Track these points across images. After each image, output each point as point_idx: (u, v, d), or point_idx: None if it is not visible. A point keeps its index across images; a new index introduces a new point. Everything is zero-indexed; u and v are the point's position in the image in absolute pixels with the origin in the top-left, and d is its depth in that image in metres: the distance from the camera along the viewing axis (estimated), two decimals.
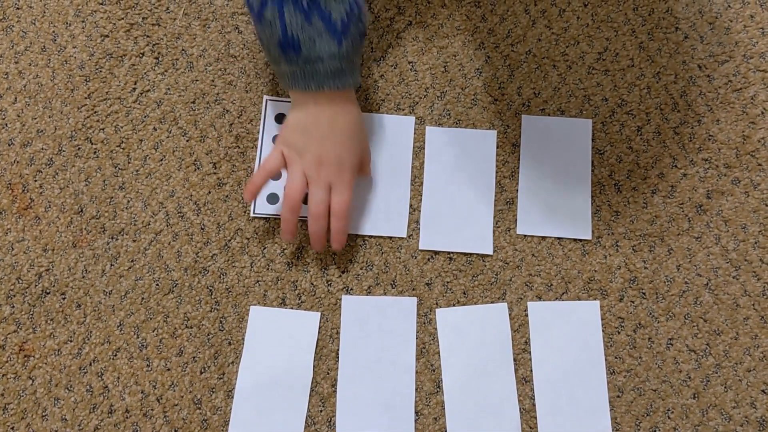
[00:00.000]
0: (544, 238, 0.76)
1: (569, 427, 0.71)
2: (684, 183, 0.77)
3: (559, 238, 0.76)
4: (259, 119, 0.79)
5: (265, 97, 0.79)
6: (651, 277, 0.75)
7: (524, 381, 0.72)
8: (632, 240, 0.76)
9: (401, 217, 0.76)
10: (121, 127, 0.79)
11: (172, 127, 0.79)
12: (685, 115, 0.79)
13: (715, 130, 0.78)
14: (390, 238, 0.76)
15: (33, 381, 0.72)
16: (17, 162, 0.77)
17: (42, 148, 0.78)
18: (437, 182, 0.78)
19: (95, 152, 0.78)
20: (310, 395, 0.72)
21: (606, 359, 0.73)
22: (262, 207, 0.76)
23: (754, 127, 0.78)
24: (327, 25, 0.65)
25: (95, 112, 0.79)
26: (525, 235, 0.76)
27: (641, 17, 0.81)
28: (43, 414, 0.71)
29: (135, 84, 0.80)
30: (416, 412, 0.71)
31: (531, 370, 0.72)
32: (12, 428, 0.70)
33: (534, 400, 0.72)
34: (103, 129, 0.79)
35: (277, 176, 0.75)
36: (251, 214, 0.76)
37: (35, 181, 0.77)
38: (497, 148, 0.79)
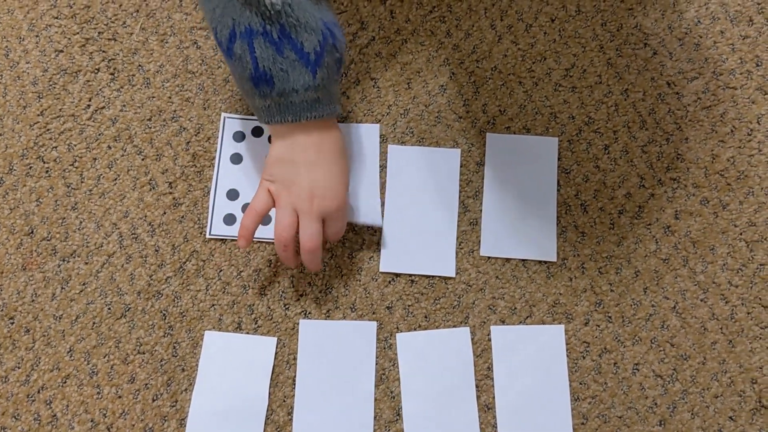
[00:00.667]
0: (508, 260, 0.74)
1: None
2: (652, 203, 0.75)
3: (523, 260, 0.74)
4: (217, 137, 0.77)
5: (223, 114, 0.77)
6: (617, 300, 0.73)
7: (486, 408, 0.70)
8: (598, 262, 0.74)
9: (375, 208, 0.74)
10: (75, 146, 0.76)
11: (127, 145, 0.77)
12: (654, 133, 0.77)
13: (684, 149, 0.77)
14: (350, 259, 0.74)
15: None
16: None
17: None
18: (399, 202, 0.76)
19: (47, 171, 0.76)
20: (265, 423, 0.69)
21: (570, 385, 0.71)
22: (218, 228, 0.74)
23: (723, 145, 0.77)
24: (300, 56, 0.62)
25: (48, 130, 0.77)
26: (489, 257, 0.74)
27: (609, 33, 0.80)
28: None
29: (89, 101, 0.78)
30: None
31: (493, 397, 0.70)
32: None
33: (496, 428, 0.70)
34: (55, 147, 0.76)
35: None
36: (207, 236, 0.74)
37: None
38: (461, 166, 0.77)
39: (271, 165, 0.68)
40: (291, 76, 0.63)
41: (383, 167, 0.76)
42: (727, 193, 0.76)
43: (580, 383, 0.71)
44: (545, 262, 0.74)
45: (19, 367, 0.71)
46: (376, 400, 0.70)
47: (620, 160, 0.76)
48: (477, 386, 0.71)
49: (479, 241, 0.75)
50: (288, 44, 0.62)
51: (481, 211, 0.75)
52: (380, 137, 0.77)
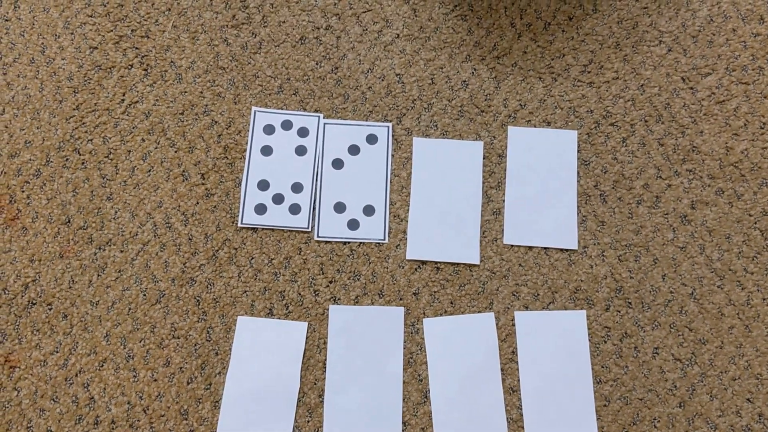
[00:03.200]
0: (530, 248, 0.77)
1: None
2: (668, 193, 0.78)
3: (545, 248, 0.77)
4: (248, 130, 0.79)
5: (254, 108, 0.80)
6: (636, 287, 0.75)
7: (511, 391, 0.72)
8: (618, 250, 0.76)
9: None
10: (109, 138, 0.79)
11: (161, 138, 0.79)
12: (669, 126, 0.80)
13: (699, 142, 0.79)
14: (378, 247, 0.76)
15: (18, 392, 0.71)
16: (4, 173, 0.77)
17: (29, 159, 0.78)
18: (424, 193, 0.78)
19: (83, 163, 0.78)
20: (297, 405, 0.71)
21: (592, 368, 0.73)
22: (249, 217, 0.77)
23: (737, 138, 0.79)
24: None
25: (83, 123, 0.79)
26: (512, 245, 0.77)
27: (625, 30, 0.82)
28: (29, 425, 0.71)
29: (123, 95, 0.80)
30: (403, 423, 0.71)
31: (518, 380, 0.73)
32: None
33: (521, 409, 0.72)
34: (91, 140, 0.79)
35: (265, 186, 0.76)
36: (239, 225, 0.76)
37: (22, 191, 0.77)
38: (484, 158, 0.79)
39: None
40: None
41: (408, 159, 0.79)
42: (741, 183, 0.78)
43: (602, 366, 0.73)
44: (566, 250, 0.76)
45: (57, 352, 0.73)
46: (404, 383, 0.72)
47: (638, 152, 0.79)
48: (502, 370, 0.73)
49: (502, 230, 0.77)
50: None
51: (503, 201, 0.78)
52: (406, 131, 0.80)
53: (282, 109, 0.80)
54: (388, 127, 0.79)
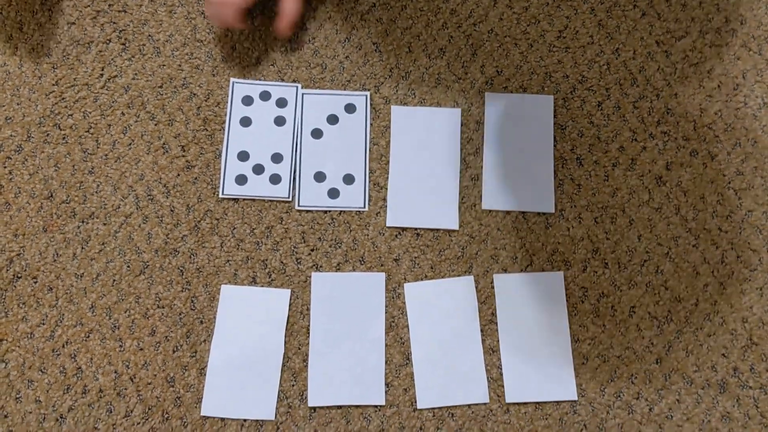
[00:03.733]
0: (508, 212, 0.78)
1: (536, 395, 0.72)
2: (644, 156, 0.79)
3: (523, 212, 0.78)
4: (227, 102, 0.80)
5: (232, 80, 0.80)
6: (613, 248, 0.76)
7: (491, 351, 0.74)
8: (594, 212, 0.77)
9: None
10: (90, 113, 0.79)
11: (140, 111, 0.80)
12: (644, 89, 0.81)
13: (674, 104, 0.80)
14: (358, 215, 0.77)
15: (6, 364, 0.72)
16: None
17: (11, 135, 0.78)
18: (403, 160, 0.79)
19: (64, 138, 0.79)
20: (282, 370, 0.73)
21: (570, 328, 0.74)
22: (230, 188, 0.77)
23: (711, 100, 0.80)
24: None
25: (63, 99, 0.80)
26: (490, 210, 0.78)
27: None
28: (17, 396, 0.72)
29: (102, 70, 0.81)
30: (387, 384, 0.73)
31: (497, 340, 0.74)
32: None
33: (501, 369, 0.73)
34: (71, 115, 0.79)
35: (244, 158, 0.77)
36: (220, 195, 0.77)
37: (4, 167, 0.77)
38: (462, 125, 0.80)
39: None
40: None
41: (387, 128, 0.80)
42: (715, 144, 0.79)
43: (580, 326, 0.75)
44: (544, 214, 0.78)
45: (43, 324, 0.74)
46: (386, 346, 0.74)
47: (613, 115, 0.80)
48: (482, 331, 0.74)
49: (480, 196, 0.78)
50: None
51: (481, 167, 0.79)
52: (384, 99, 0.80)
53: (260, 80, 0.81)
54: (366, 95, 0.80)
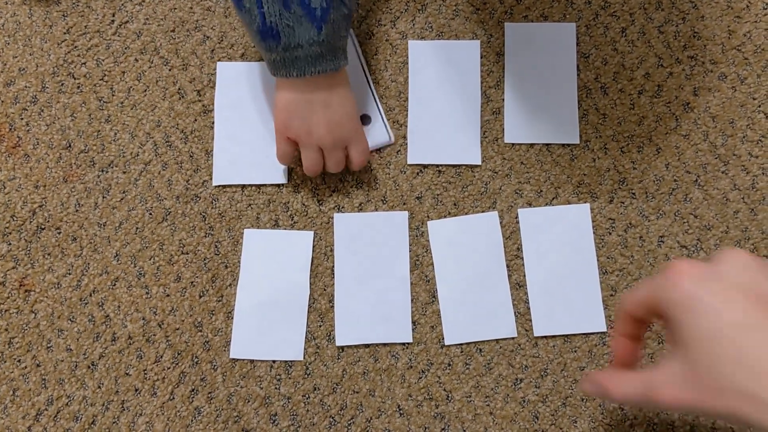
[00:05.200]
0: (532, 145, 0.76)
1: (564, 328, 0.72)
2: (670, 82, 0.77)
3: (547, 145, 0.76)
4: (240, 43, 0.78)
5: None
6: (640, 177, 0.75)
7: (518, 286, 0.73)
8: (620, 142, 0.76)
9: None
10: (103, 60, 0.78)
11: (154, 57, 0.78)
12: (669, 13, 0.78)
13: (700, 27, 0.77)
14: (378, 153, 0.76)
15: (35, 314, 0.73)
16: (2, 102, 0.77)
17: (25, 86, 0.78)
18: (422, 96, 0.77)
19: (78, 87, 0.78)
20: (308, 312, 0.73)
21: (598, 260, 0.73)
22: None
23: (740, 21, 0.77)
24: (306, 11, 0.63)
25: (75, 47, 0.79)
26: (513, 144, 0.76)
27: None
28: (48, 345, 0.72)
29: (113, 16, 0.79)
30: (413, 322, 0.72)
31: (524, 275, 0.73)
32: (18, 361, 0.72)
33: (528, 303, 0.73)
34: (84, 63, 0.78)
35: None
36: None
37: (21, 119, 0.77)
38: (481, 58, 0.78)
39: (282, 114, 0.69)
40: (296, 32, 0.64)
41: (404, 63, 0.78)
42: (744, 67, 0.77)
43: (608, 258, 0.73)
44: (568, 145, 0.76)
45: (69, 274, 0.74)
46: (411, 284, 0.73)
47: (638, 41, 0.77)
48: (508, 266, 0.73)
49: (503, 129, 0.76)
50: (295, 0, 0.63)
51: (503, 100, 0.77)
52: (401, 34, 0.78)
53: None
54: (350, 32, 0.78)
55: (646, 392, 0.48)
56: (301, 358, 0.72)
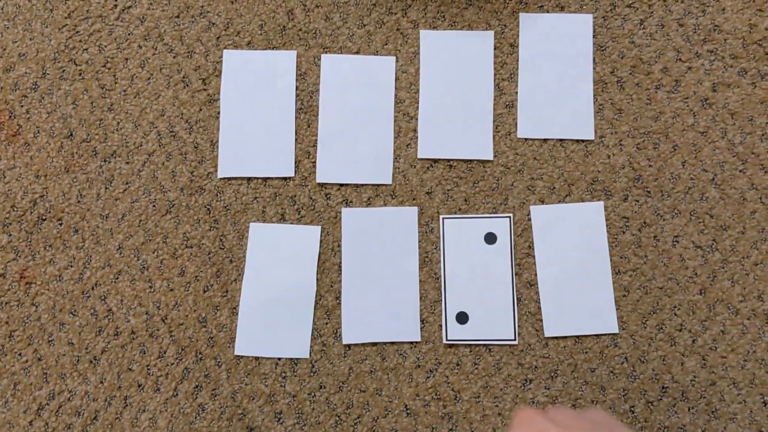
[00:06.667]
0: (545, 140, 0.74)
1: (575, 328, 0.70)
2: (689, 76, 0.74)
3: (560, 140, 0.74)
4: (247, 30, 0.76)
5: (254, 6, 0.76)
6: (656, 175, 0.73)
7: (528, 285, 0.72)
8: (636, 138, 0.74)
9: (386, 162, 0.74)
10: (105, 47, 0.76)
11: (158, 43, 0.76)
12: (689, 5, 0.76)
13: (721, 20, 0.75)
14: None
15: (36, 307, 0.72)
16: (1, 88, 0.75)
17: (25, 72, 0.75)
18: (434, 88, 0.75)
19: (80, 74, 0.76)
20: (315, 308, 0.71)
21: (611, 259, 0.72)
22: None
23: (762, 14, 0.75)
24: None
25: (77, 32, 0.76)
26: (526, 139, 0.74)
27: None
28: (50, 339, 0.71)
29: (116, 1, 0.77)
30: (422, 320, 0.71)
31: (535, 274, 0.72)
32: (19, 354, 0.71)
33: (539, 303, 0.71)
34: (86, 49, 0.76)
35: None
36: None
37: (21, 106, 0.75)
38: (495, 49, 0.76)
39: None
40: None
41: (416, 54, 0.76)
42: (765, 62, 0.74)
43: (621, 257, 0.72)
44: (583, 141, 0.74)
45: (71, 266, 0.72)
46: (420, 281, 0.72)
47: (656, 34, 0.75)
48: (518, 264, 0.72)
49: (516, 123, 0.75)
50: None
51: (516, 93, 0.75)
52: (412, 23, 0.76)
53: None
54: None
55: None
56: (307, 356, 0.71)
